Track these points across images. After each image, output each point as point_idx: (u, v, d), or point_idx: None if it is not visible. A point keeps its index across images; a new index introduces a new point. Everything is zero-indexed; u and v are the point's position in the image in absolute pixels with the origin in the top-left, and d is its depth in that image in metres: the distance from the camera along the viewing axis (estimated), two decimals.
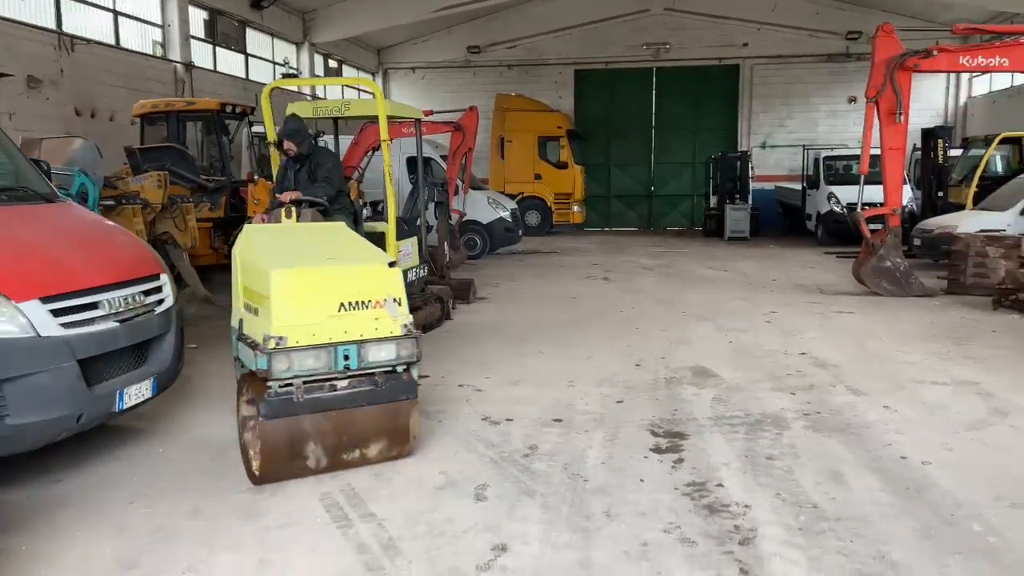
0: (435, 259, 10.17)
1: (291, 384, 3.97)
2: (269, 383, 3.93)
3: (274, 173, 6.08)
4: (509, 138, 21.51)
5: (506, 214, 17.04)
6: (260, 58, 19.36)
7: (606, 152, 24.63)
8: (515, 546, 3.47)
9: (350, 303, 4.10)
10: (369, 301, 4.15)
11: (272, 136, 5.82)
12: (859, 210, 10.54)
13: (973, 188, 14.36)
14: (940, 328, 8.27)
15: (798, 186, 20.13)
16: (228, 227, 10.95)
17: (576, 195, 21.72)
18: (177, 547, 3.50)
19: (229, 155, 11.93)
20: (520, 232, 16.63)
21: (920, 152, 16.74)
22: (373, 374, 4.19)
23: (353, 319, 4.10)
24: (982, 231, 11.30)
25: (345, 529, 3.66)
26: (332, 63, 23.09)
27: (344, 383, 4.13)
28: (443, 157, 14.75)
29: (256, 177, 11.68)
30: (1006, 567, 3.26)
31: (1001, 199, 12.84)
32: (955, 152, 16.80)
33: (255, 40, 19.13)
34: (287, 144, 5.37)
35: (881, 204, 10.48)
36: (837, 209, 17.21)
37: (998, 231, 11.35)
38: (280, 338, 3.89)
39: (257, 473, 4.13)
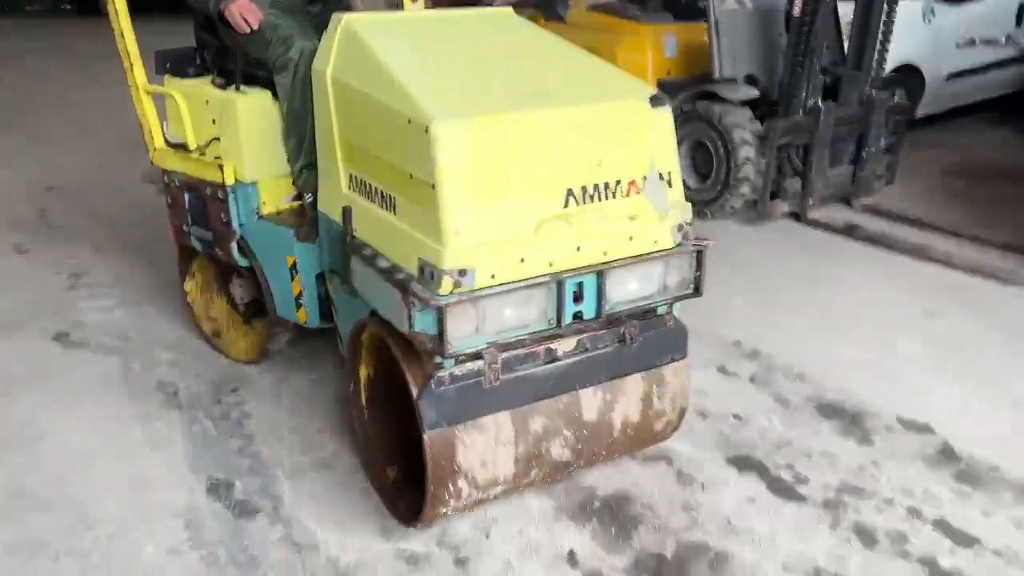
0: None
1: (480, 357, 2.03)
2: (441, 360, 2.00)
3: None
4: None
5: None
6: None
7: None
8: None
9: (584, 189, 2.06)
10: (619, 182, 2.11)
11: None
12: None
13: None
14: None
15: None
16: None
17: None
18: None
19: None
20: None
21: None
22: (619, 319, 2.23)
23: (590, 220, 2.08)
24: None
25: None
26: None
27: (571, 344, 2.18)
28: None
29: None
30: None
31: None
32: None
33: None
34: None
35: None
36: None
37: None
38: (462, 272, 1.91)
39: (419, 512, 2.17)
